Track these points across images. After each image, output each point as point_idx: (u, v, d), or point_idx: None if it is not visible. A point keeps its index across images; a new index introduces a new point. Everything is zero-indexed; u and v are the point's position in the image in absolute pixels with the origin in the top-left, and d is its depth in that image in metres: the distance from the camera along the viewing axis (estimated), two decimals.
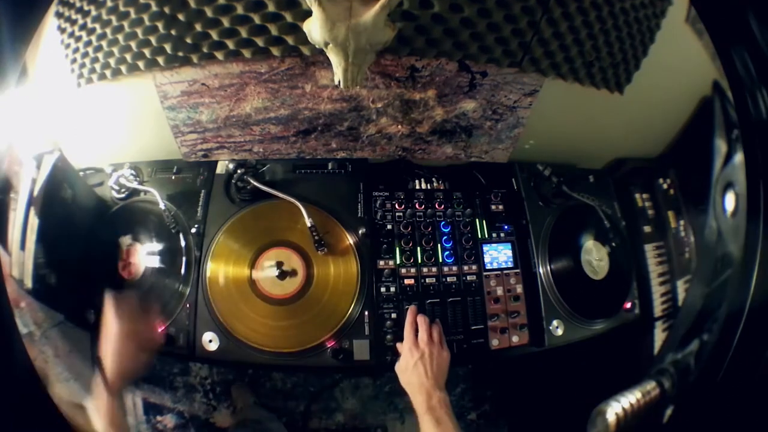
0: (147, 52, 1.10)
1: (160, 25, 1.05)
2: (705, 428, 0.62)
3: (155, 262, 1.20)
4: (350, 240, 1.24)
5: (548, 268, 1.27)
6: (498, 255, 1.29)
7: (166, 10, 1.02)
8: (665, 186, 1.38)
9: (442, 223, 1.30)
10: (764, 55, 0.62)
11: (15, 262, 1.04)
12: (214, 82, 1.18)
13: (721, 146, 0.69)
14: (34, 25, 0.76)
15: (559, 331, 1.23)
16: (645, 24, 1.20)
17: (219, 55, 1.11)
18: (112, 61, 1.12)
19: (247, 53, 1.10)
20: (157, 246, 1.21)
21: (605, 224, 1.31)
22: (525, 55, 1.16)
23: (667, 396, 0.63)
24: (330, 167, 1.34)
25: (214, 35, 1.07)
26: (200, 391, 1.31)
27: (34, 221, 1.07)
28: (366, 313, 1.18)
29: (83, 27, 1.10)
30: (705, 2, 0.73)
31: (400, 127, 1.31)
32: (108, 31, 1.08)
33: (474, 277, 1.26)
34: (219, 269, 1.18)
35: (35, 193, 1.08)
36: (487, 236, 1.31)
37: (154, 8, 1.03)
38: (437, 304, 1.21)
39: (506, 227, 1.32)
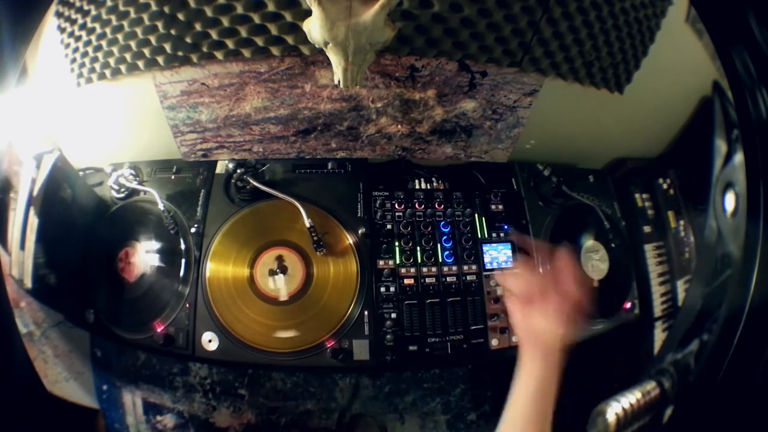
0: (147, 51, 1.10)
1: (159, 24, 1.05)
2: (705, 428, 0.62)
3: (155, 261, 1.20)
4: (350, 240, 1.24)
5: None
6: (498, 255, 1.29)
7: (166, 9, 1.02)
8: (665, 186, 1.38)
9: (442, 222, 1.30)
10: (764, 55, 0.62)
11: (15, 262, 1.05)
12: (214, 81, 1.18)
13: (721, 146, 0.69)
14: (34, 25, 0.76)
15: None
16: (645, 24, 1.20)
17: (219, 55, 1.11)
18: (111, 61, 1.12)
19: (246, 53, 1.10)
20: (157, 246, 1.21)
21: (605, 224, 1.31)
22: (525, 54, 1.16)
23: (667, 396, 0.63)
24: (330, 167, 1.34)
25: (214, 35, 1.07)
26: (200, 391, 1.31)
27: (33, 221, 1.07)
28: (366, 312, 1.18)
29: (83, 27, 1.10)
30: (705, 2, 0.73)
31: (399, 126, 1.31)
32: (108, 30, 1.08)
33: (474, 277, 1.25)
34: (218, 269, 1.18)
35: (35, 192, 1.08)
36: (486, 236, 1.31)
37: (153, 8, 1.03)
38: (437, 303, 1.21)
39: (506, 227, 1.32)
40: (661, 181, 1.38)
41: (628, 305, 1.30)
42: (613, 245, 1.31)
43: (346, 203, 1.28)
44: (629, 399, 0.61)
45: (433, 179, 1.37)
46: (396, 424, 1.37)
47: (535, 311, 0.75)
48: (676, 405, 0.63)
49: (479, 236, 1.30)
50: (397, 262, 1.24)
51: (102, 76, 1.15)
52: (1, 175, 0.98)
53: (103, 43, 1.10)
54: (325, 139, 1.33)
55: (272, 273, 1.17)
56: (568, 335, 0.72)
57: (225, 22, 1.05)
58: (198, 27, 1.05)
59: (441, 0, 1.01)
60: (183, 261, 1.19)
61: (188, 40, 1.08)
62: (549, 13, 1.08)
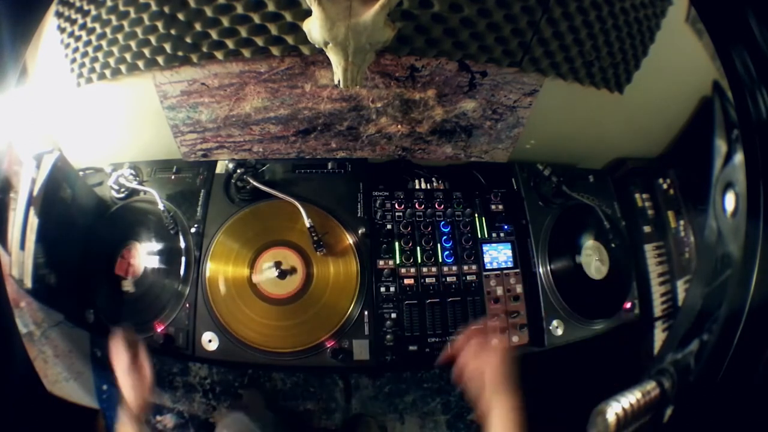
0: (147, 51, 1.10)
1: (159, 24, 1.05)
2: (705, 428, 0.62)
3: (155, 261, 1.20)
4: (350, 240, 1.24)
5: (548, 268, 1.27)
6: (498, 255, 1.29)
7: (166, 9, 1.02)
8: (665, 186, 1.38)
9: (442, 222, 1.30)
10: (764, 55, 0.62)
11: (15, 262, 1.04)
12: (214, 81, 1.18)
13: (721, 146, 0.69)
14: (34, 25, 0.76)
15: (559, 331, 1.23)
16: (645, 24, 1.20)
17: (219, 55, 1.11)
18: (111, 61, 1.12)
19: (246, 53, 1.10)
20: (157, 246, 1.21)
21: (605, 224, 1.31)
22: (525, 54, 1.16)
23: (667, 396, 0.63)
24: (330, 167, 1.34)
25: (214, 35, 1.07)
26: (200, 390, 1.31)
27: (33, 221, 1.07)
28: (366, 312, 1.18)
29: (83, 27, 1.09)
30: (705, 2, 0.73)
31: (399, 126, 1.31)
32: (108, 30, 1.08)
33: (474, 277, 1.25)
34: (218, 269, 1.18)
35: (35, 192, 1.08)
36: (486, 236, 1.31)
37: (153, 8, 1.03)
38: (437, 303, 1.21)
39: (506, 227, 1.32)
40: (661, 181, 1.38)
41: (628, 305, 1.30)
42: (613, 245, 1.31)
43: (346, 203, 1.28)
44: (629, 399, 0.61)
45: (433, 179, 1.37)
46: (396, 424, 1.37)
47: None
48: (676, 405, 0.63)
49: (479, 236, 1.30)
50: (397, 262, 1.24)
51: (102, 76, 1.15)
52: (1, 175, 0.98)
53: (103, 43, 1.10)
54: (325, 139, 1.33)
55: (277, 265, 1.17)
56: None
57: (225, 22, 1.05)
58: (198, 27, 1.05)
59: (441, 0, 1.01)
60: (183, 261, 1.19)
61: (188, 40, 1.08)
62: (549, 13, 1.08)
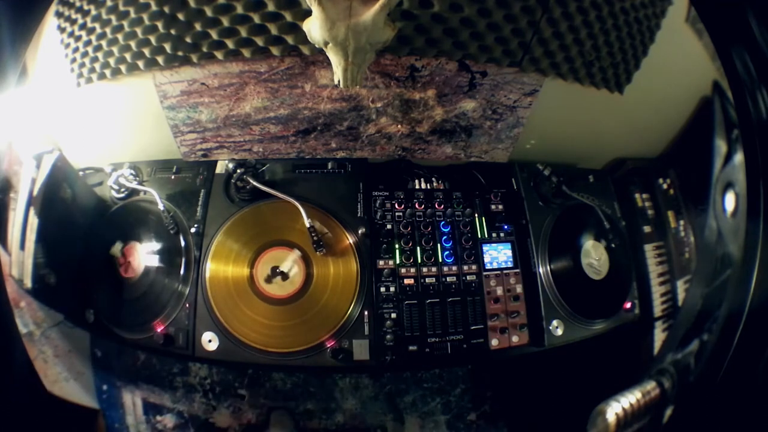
0: (147, 51, 1.10)
1: (159, 24, 1.05)
2: (705, 428, 0.62)
3: (155, 261, 1.20)
4: (350, 240, 1.24)
5: (548, 267, 1.27)
6: (498, 255, 1.29)
7: (166, 9, 1.02)
8: (665, 186, 1.38)
9: (442, 222, 1.30)
10: (764, 55, 0.62)
11: (15, 262, 1.05)
12: (214, 81, 1.18)
13: (721, 146, 0.69)
14: (34, 25, 0.76)
15: (559, 331, 1.23)
16: (645, 24, 1.20)
17: (219, 55, 1.11)
18: (111, 61, 1.12)
19: (246, 53, 1.10)
20: (157, 245, 1.21)
21: (605, 224, 1.31)
22: (525, 54, 1.16)
23: (667, 396, 0.63)
24: (330, 167, 1.34)
25: (214, 35, 1.07)
26: (200, 391, 1.31)
27: (33, 221, 1.07)
28: (366, 312, 1.18)
29: (83, 26, 1.10)
30: (705, 2, 0.73)
31: (399, 126, 1.31)
32: (108, 30, 1.08)
33: (474, 277, 1.25)
34: (218, 269, 1.18)
35: (35, 192, 1.08)
36: (486, 236, 1.31)
37: (153, 8, 1.03)
38: (437, 304, 1.21)
39: (506, 227, 1.32)
40: (661, 181, 1.38)
41: (628, 305, 1.30)
42: (613, 245, 1.31)
43: (346, 203, 1.28)
44: (629, 399, 0.61)
45: (433, 179, 1.37)
46: (396, 424, 1.36)
47: None
48: (676, 405, 0.63)
49: (479, 236, 1.30)
50: (397, 262, 1.24)
51: (102, 76, 1.15)
52: (1, 175, 0.98)
53: (103, 43, 1.10)
54: (325, 139, 1.33)
55: (275, 273, 1.17)
56: None
57: (225, 22, 1.05)
58: (198, 27, 1.05)
59: (441, 0, 1.01)
60: (183, 261, 1.19)
61: (188, 40, 1.08)
62: (549, 13, 1.08)
